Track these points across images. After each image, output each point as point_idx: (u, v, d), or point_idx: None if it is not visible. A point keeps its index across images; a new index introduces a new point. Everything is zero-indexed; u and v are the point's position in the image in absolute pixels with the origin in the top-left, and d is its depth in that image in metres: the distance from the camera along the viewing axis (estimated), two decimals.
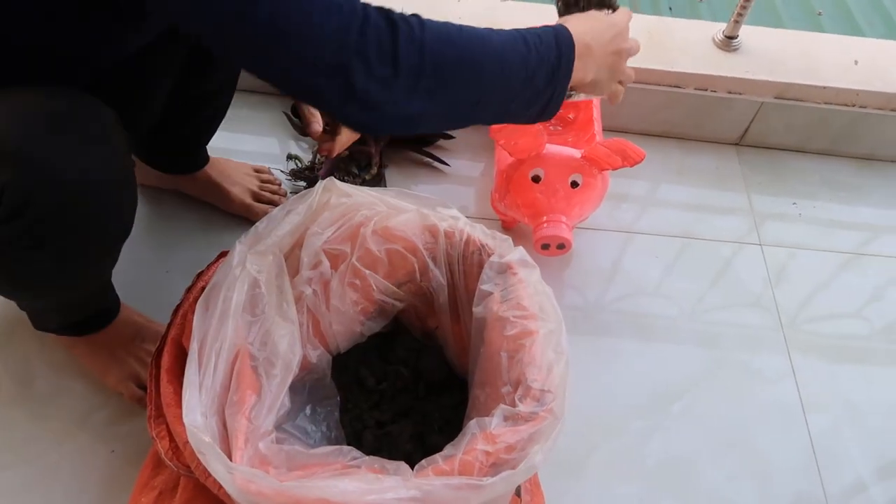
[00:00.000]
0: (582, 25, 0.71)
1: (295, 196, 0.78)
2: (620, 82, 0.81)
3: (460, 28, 0.62)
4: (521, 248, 0.76)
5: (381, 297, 0.80)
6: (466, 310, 0.79)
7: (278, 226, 0.74)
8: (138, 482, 0.76)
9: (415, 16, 0.60)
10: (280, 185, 1.15)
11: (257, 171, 1.14)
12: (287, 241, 0.74)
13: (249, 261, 0.69)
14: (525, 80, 0.65)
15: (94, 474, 0.85)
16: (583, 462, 0.93)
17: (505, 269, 0.74)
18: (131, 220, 0.72)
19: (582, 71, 0.70)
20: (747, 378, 1.04)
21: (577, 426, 0.93)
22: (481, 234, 0.78)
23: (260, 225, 0.74)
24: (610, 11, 0.81)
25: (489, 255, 0.75)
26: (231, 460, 0.59)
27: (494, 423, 0.62)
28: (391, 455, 0.79)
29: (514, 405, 0.63)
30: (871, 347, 1.10)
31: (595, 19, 0.75)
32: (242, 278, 0.68)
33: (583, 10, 0.81)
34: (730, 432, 0.99)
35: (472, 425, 0.63)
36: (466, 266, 0.78)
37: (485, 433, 0.61)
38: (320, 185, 0.78)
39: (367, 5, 0.57)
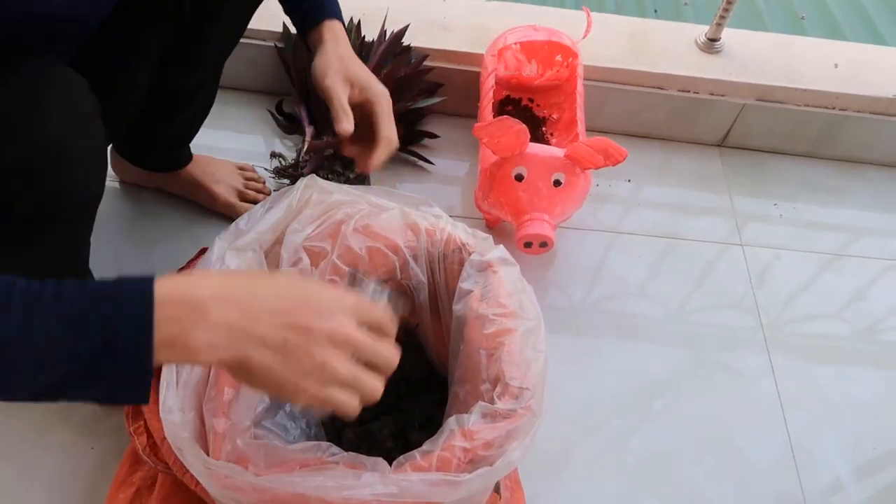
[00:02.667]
0: (224, 276, 0.50)
1: (276, 192, 0.78)
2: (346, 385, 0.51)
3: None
4: (501, 246, 0.77)
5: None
6: (447, 308, 0.80)
7: (259, 222, 0.74)
8: (116, 478, 0.76)
9: None
10: (264, 182, 1.15)
11: (241, 168, 1.14)
12: (267, 238, 0.74)
13: (229, 257, 0.69)
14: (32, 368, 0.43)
15: (73, 471, 0.85)
16: (563, 460, 0.94)
17: (485, 268, 0.74)
18: (98, 185, 0.69)
19: (184, 339, 0.45)
20: (728, 377, 1.05)
21: (558, 424, 0.94)
22: (462, 232, 0.78)
23: (240, 221, 0.74)
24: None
25: (470, 254, 0.75)
26: (208, 456, 0.59)
27: (473, 419, 0.62)
28: (371, 452, 0.79)
29: (492, 402, 0.63)
30: (851, 348, 1.11)
31: (268, 280, 0.51)
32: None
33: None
34: (710, 431, 0.99)
35: (450, 422, 0.63)
36: (447, 264, 0.78)
37: (463, 430, 0.61)
38: (302, 182, 0.78)
39: None
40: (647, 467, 0.95)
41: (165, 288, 0.45)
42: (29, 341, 0.42)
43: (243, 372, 0.49)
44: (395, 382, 0.87)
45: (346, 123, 0.78)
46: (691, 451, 0.97)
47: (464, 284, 0.74)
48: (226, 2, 0.81)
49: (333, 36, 0.85)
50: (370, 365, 0.52)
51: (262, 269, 0.53)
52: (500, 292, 0.71)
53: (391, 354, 0.53)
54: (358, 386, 0.51)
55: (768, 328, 1.11)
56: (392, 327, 0.54)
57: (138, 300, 0.44)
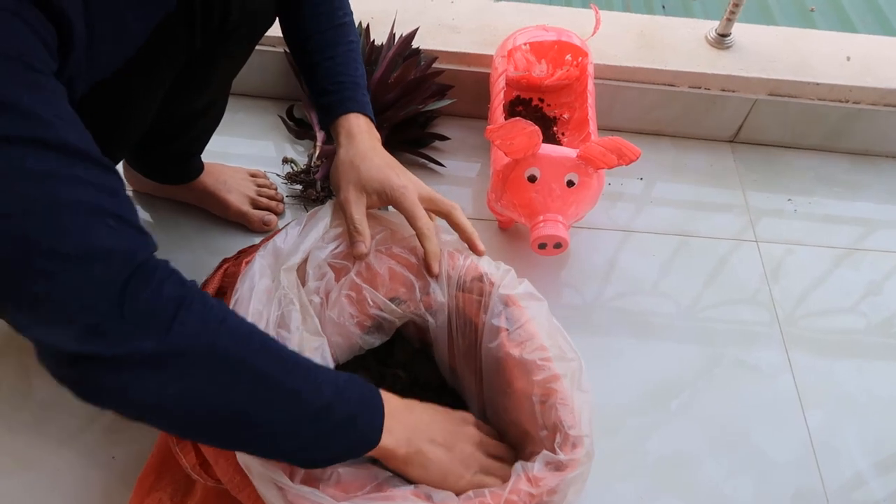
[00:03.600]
0: (413, 403, 0.69)
1: (309, 214, 0.79)
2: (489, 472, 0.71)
3: (264, 339, 0.57)
4: (526, 281, 0.77)
5: (377, 311, 0.79)
6: (459, 335, 0.81)
7: (302, 242, 0.75)
8: (140, 487, 0.76)
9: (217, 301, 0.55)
10: (276, 189, 1.15)
11: (253, 175, 1.14)
12: (302, 258, 0.75)
13: (283, 277, 0.70)
14: (307, 419, 0.57)
15: (94, 480, 0.86)
16: None
17: (512, 303, 0.75)
18: None
19: (396, 443, 0.64)
20: (745, 374, 1.05)
21: None
22: (484, 263, 0.79)
23: (278, 239, 0.75)
24: None
25: (492, 284, 0.76)
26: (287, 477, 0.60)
27: (537, 467, 0.66)
28: None
29: (553, 451, 0.67)
30: (868, 342, 1.11)
31: (433, 409, 0.72)
32: (275, 294, 0.69)
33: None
34: (728, 429, 0.99)
35: (517, 467, 0.67)
36: (465, 291, 0.79)
37: (528, 475, 0.65)
38: (330, 203, 0.80)
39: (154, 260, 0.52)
40: (665, 466, 0.95)
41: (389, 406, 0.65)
42: (315, 397, 0.58)
43: (419, 465, 0.65)
44: (411, 388, 0.87)
45: (360, 246, 0.76)
46: (709, 448, 0.97)
47: (493, 321, 0.75)
48: (235, 30, 0.79)
49: (347, 134, 0.81)
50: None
51: (431, 407, 0.71)
52: (536, 333, 0.73)
53: (506, 456, 0.74)
54: (494, 471, 0.70)
55: (784, 324, 1.11)
56: (504, 452, 0.75)
57: (373, 402, 0.64)
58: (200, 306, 0.53)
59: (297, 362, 0.58)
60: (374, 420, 0.62)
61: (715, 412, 1.00)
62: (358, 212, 0.77)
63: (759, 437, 0.99)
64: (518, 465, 0.67)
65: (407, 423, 0.65)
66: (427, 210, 0.79)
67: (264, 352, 0.56)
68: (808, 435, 0.99)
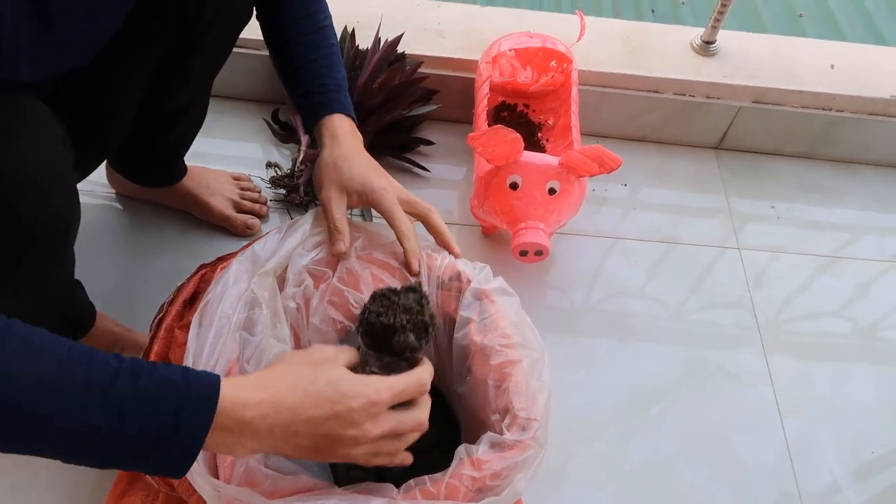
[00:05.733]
0: (270, 392, 0.53)
1: (289, 223, 0.80)
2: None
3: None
4: (500, 277, 0.78)
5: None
6: (442, 333, 0.81)
7: (279, 249, 0.75)
8: (111, 495, 0.76)
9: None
10: (260, 192, 1.15)
11: (237, 179, 1.14)
12: (282, 264, 0.76)
13: (256, 282, 0.70)
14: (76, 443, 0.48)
15: (71, 487, 0.85)
16: (561, 467, 0.94)
17: (484, 297, 0.75)
18: (70, 213, 0.67)
19: (232, 446, 0.52)
20: (725, 381, 1.05)
21: (556, 431, 0.93)
22: (460, 263, 0.79)
23: (257, 246, 0.75)
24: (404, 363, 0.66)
25: (469, 282, 0.76)
26: (218, 478, 0.60)
27: (481, 449, 0.64)
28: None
29: (501, 433, 0.65)
30: (848, 351, 1.11)
31: (306, 388, 0.55)
32: (245, 298, 0.69)
33: (378, 349, 0.66)
34: (707, 436, 1.00)
35: (459, 450, 0.64)
36: (444, 291, 0.79)
37: (472, 459, 0.63)
38: (312, 212, 0.81)
39: None
40: (644, 473, 0.95)
41: (226, 401, 0.51)
42: (108, 420, 0.47)
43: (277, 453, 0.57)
44: None
45: (339, 244, 0.76)
46: (688, 455, 0.97)
47: (464, 313, 0.75)
48: (210, 25, 0.80)
49: (331, 135, 0.82)
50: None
51: (305, 361, 0.57)
52: (502, 323, 0.72)
53: (414, 426, 0.59)
54: (381, 462, 0.59)
55: (765, 331, 1.11)
56: (418, 391, 0.60)
57: (204, 403, 0.50)
58: None
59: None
60: (191, 441, 0.50)
61: (695, 419, 1.01)
62: (338, 210, 0.78)
63: (738, 443, 0.99)
64: (462, 447, 0.64)
65: (262, 438, 0.53)
66: (406, 213, 0.81)
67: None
68: (786, 442, 1.00)
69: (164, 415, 0.48)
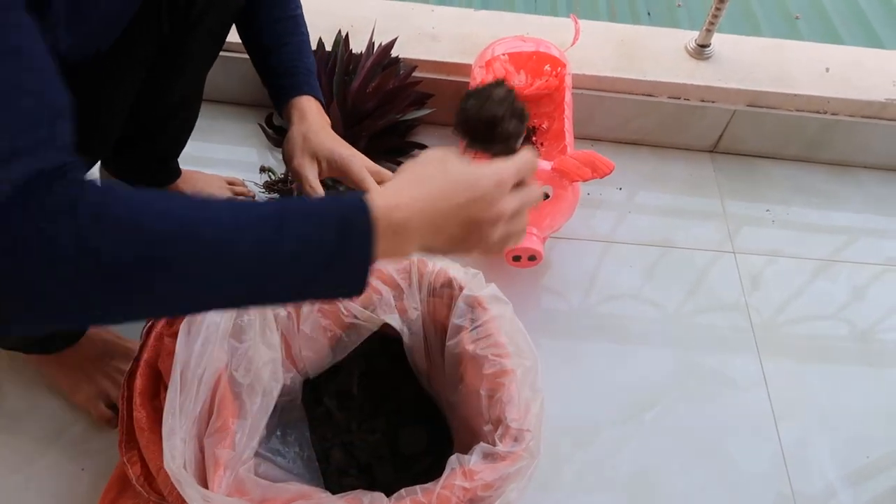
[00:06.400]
0: (411, 192, 0.55)
1: None
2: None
3: (164, 213, 0.45)
4: (493, 284, 0.77)
5: (352, 320, 0.79)
6: (433, 339, 0.80)
7: None
8: (102, 502, 0.76)
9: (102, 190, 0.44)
10: (254, 197, 1.15)
11: (230, 183, 1.14)
12: None
13: None
14: (266, 274, 0.48)
15: (63, 492, 0.85)
16: (555, 473, 0.94)
17: (477, 304, 0.75)
18: None
19: (394, 251, 0.54)
20: (720, 386, 1.05)
21: (550, 436, 0.93)
22: (453, 269, 0.79)
23: None
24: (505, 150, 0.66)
25: (461, 289, 0.76)
26: (207, 487, 0.59)
27: (473, 460, 0.64)
28: (359, 472, 0.79)
29: (493, 444, 0.65)
30: (843, 354, 1.11)
31: (442, 181, 0.56)
32: None
33: (482, 142, 0.67)
34: (702, 441, 0.99)
35: (451, 460, 0.64)
36: (436, 298, 0.79)
37: (463, 469, 0.63)
38: None
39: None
40: (638, 479, 0.95)
41: (379, 210, 0.51)
42: (291, 246, 0.48)
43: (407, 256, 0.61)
44: (387, 403, 0.87)
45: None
46: (683, 461, 0.97)
47: (456, 320, 0.75)
48: (202, 16, 0.81)
49: (300, 114, 0.88)
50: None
51: (428, 161, 0.57)
52: (495, 331, 0.72)
53: (535, 199, 0.62)
54: (510, 244, 0.61)
55: (760, 335, 1.11)
56: (530, 170, 0.61)
57: (361, 216, 0.51)
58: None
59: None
60: (363, 250, 0.51)
61: (690, 424, 1.01)
62: (312, 175, 0.84)
63: (733, 447, 0.99)
64: (454, 457, 0.64)
65: (414, 238, 0.55)
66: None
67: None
68: (781, 447, 1.00)
69: (335, 230, 0.49)
